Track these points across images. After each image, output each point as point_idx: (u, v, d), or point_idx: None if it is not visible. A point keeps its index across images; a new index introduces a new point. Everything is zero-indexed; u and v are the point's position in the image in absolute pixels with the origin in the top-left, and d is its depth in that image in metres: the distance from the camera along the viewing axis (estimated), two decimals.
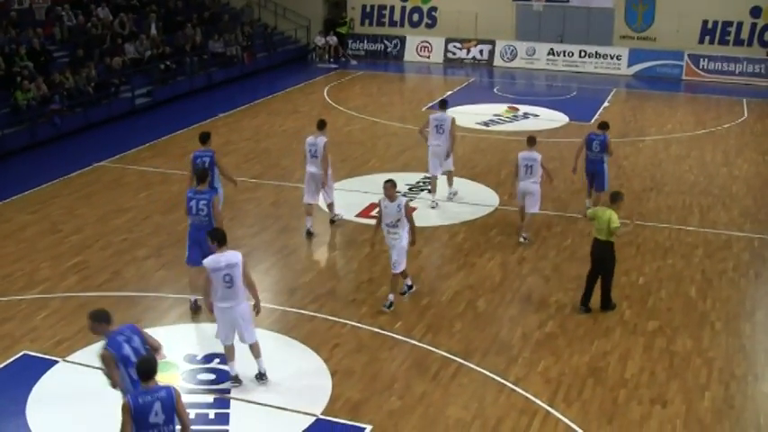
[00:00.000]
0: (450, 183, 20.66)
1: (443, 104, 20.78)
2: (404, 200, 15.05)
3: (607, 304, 15.17)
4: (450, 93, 31.62)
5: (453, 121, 20.24)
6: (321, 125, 18.79)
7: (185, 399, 12.25)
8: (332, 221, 19.36)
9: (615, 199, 14.91)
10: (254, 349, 12.79)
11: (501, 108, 30.50)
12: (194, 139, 26.39)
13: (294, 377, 13.06)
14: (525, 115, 29.82)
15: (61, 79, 28.86)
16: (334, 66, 39.74)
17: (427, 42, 41.23)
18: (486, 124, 27.35)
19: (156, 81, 32.70)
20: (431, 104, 30.62)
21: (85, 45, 31.36)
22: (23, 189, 21.95)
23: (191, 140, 26.43)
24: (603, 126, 19.31)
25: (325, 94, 33.33)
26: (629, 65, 38.41)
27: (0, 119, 26.39)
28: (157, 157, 24.77)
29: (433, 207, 20.11)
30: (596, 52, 38.86)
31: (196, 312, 15.06)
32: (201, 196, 14.96)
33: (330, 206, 19.29)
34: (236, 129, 27.92)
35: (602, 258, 14.90)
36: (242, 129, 27.91)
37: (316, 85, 35.16)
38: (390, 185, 14.92)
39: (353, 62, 40.72)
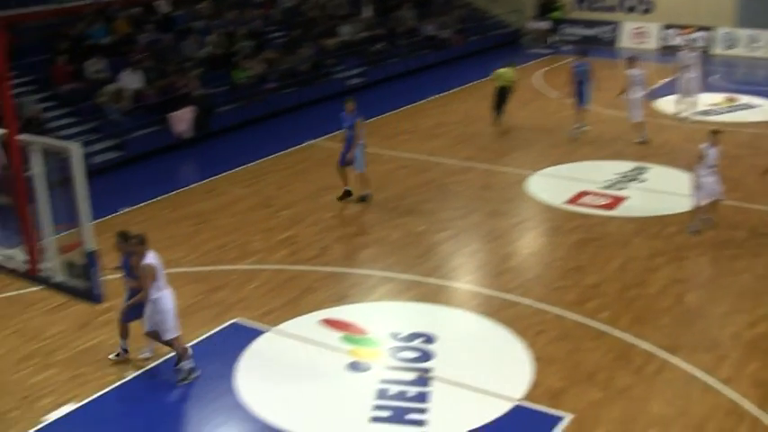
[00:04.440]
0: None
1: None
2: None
3: None
4: (664, 81, 30.73)
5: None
6: (633, 60, 24.06)
7: (388, 375, 12.53)
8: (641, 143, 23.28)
9: None
10: None
11: (718, 98, 29.38)
12: (404, 120, 26.97)
13: (496, 361, 13.03)
14: (745, 106, 28.64)
15: (277, 59, 29.74)
16: (546, 51, 39.29)
17: (643, 28, 40.19)
18: (701, 114, 26.42)
19: (368, 62, 33.21)
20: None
21: (301, 26, 32.16)
22: (239, 164, 22.77)
23: (401, 121, 26.83)
24: None
25: (537, 79, 33.00)
26: None
27: (219, 96, 27.46)
28: (369, 137, 24.87)
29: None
30: None
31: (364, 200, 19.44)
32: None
33: (638, 126, 23.59)
34: (447, 111, 28.06)
35: None
36: (452, 111, 28.02)
37: (527, 70, 34.78)
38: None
39: (566, 47, 40.13)
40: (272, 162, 23.24)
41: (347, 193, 19.78)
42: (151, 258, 12.31)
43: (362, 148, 19.54)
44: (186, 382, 12.61)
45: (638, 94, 23.66)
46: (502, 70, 26.23)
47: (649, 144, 23.45)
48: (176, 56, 28.17)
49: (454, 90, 31.08)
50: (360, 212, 19.12)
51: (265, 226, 18.67)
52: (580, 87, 24.84)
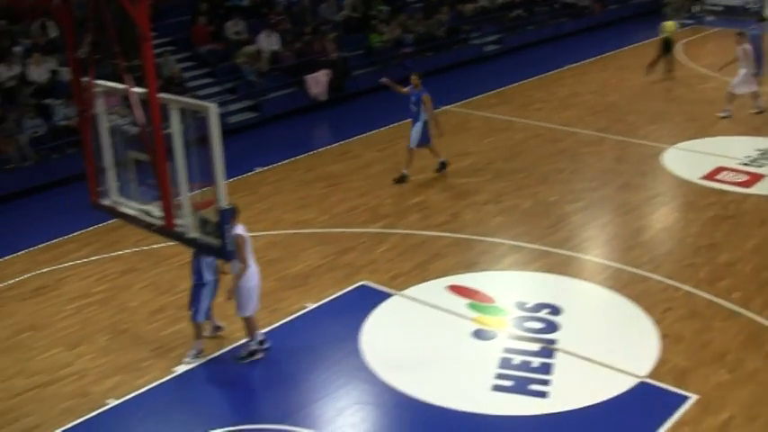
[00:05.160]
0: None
1: None
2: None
3: None
4: None
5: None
6: (742, 35, 23.45)
7: (512, 344, 12.53)
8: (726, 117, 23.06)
9: None
10: None
11: None
12: (538, 88, 26.73)
13: (622, 336, 12.86)
14: None
15: (414, 24, 29.75)
16: (689, 21, 38.25)
17: None
18: None
19: (505, 29, 32.95)
20: None
21: None
22: (373, 128, 22.95)
23: (536, 89, 26.62)
24: None
25: (678, 49, 32.19)
26: None
27: (355, 60, 27.68)
28: (503, 105, 25.04)
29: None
30: None
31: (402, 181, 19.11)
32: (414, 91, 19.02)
33: (731, 98, 23.20)
34: (583, 81, 27.66)
35: None
36: (589, 81, 27.61)
37: None
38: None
39: (709, 18, 39.01)
40: (406, 126, 23.19)
41: (442, 165, 19.62)
42: (241, 230, 11.86)
43: (424, 125, 19.15)
44: (245, 362, 12.53)
45: (749, 68, 23.08)
46: (666, 23, 28.24)
47: None
48: (313, 18, 28.45)
49: (591, 59, 30.59)
50: (491, 180, 19.06)
51: (396, 190, 18.80)
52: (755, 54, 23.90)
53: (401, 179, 19.26)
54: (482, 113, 24.18)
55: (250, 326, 12.50)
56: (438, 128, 19.15)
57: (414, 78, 19.17)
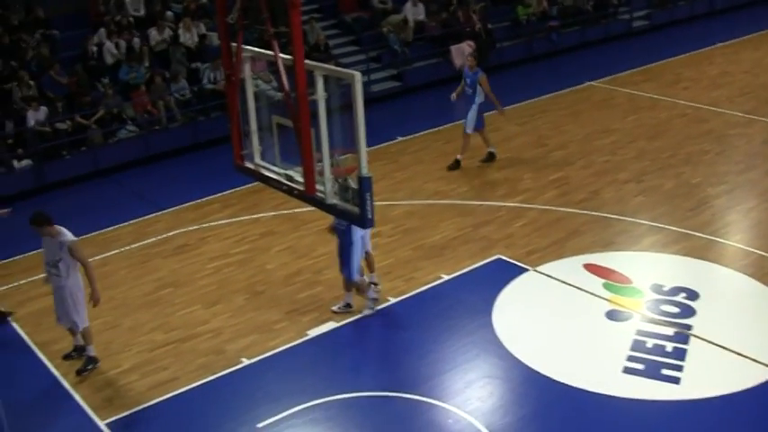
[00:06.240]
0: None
1: None
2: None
3: None
4: None
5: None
6: None
7: (646, 327, 12.34)
8: None
9: None
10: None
11: None
12: (688, 66, 25.97)
13: (760, 325, 12.46)
14: None
15: None
16: None
17: None
18: None
19: (655, 4, 32.18)
20: None
21: None
22: (515, 101, 22.73)
23: (684, 67, 25.98)
24: None
25: None
26: None
27: (501, 32, 27.50)
28: (649, 82, 24.52)
29: None
30: None
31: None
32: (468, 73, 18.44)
33: None
34: (734, 60, 26.81)
35: None
36: (740, 60, 26.75)
37: None
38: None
39: None
40: (549, 101, 23.11)
41: (491, 156, 19.02)
42: None
43: (478, 108, 18.54)
44: (372, 312, 12.98)
45: None
46: None
47: None
48: None
49: (744, 38, 29.57)
50: (633, 159, 18.71)
51: (537, 165, 18.67)
52: None
53: (455, 165, 18.75)
54: (627, 90, 23.75)
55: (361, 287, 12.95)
56: (499, 107, 18.65)
57: (469, 59, 18.80)
